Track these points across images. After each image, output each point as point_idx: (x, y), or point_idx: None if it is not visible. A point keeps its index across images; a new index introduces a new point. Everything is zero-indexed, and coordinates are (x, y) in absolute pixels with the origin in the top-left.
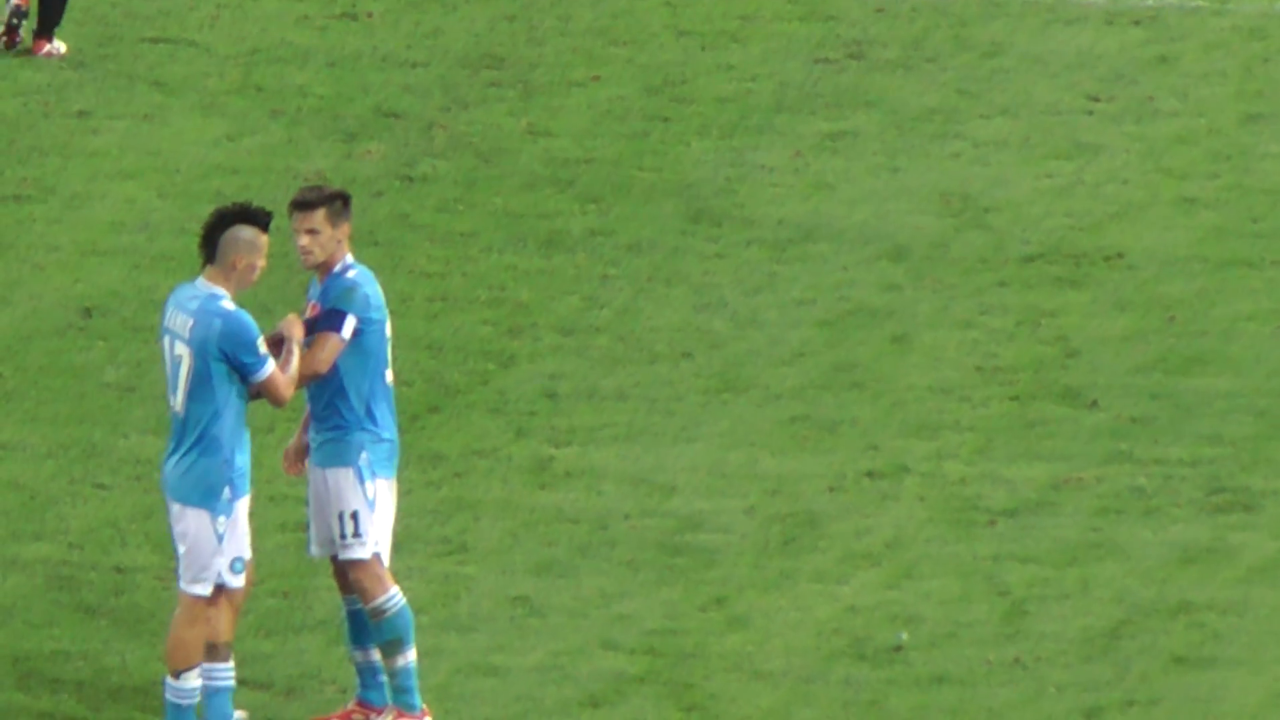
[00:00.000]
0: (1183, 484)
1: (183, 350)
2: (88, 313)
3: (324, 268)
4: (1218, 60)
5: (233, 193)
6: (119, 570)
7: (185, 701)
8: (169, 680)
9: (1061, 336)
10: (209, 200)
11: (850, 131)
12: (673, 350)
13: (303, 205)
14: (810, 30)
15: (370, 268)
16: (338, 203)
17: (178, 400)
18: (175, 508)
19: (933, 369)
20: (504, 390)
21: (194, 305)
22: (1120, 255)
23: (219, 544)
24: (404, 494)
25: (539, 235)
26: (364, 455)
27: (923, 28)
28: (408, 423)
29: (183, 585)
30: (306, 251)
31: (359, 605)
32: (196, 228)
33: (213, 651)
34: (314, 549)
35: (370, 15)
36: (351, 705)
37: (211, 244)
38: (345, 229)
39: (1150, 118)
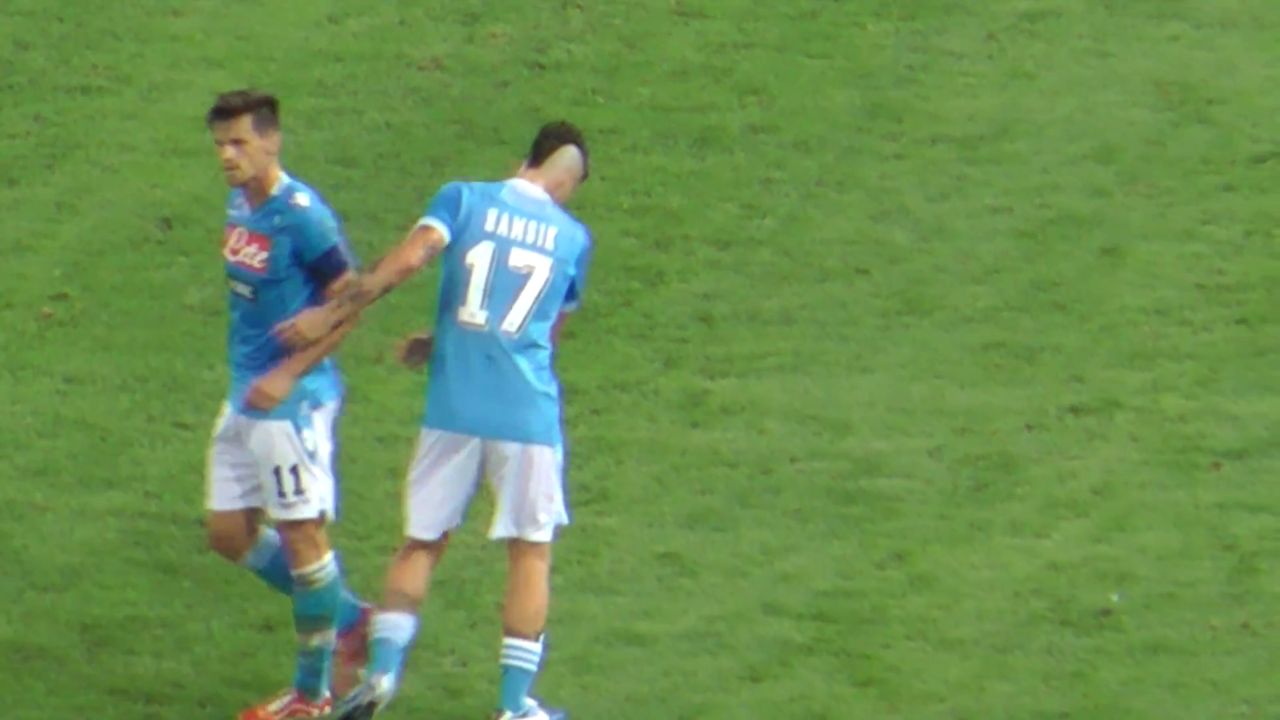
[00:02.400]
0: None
1: (534, 261)
2: (167, 223)
3: (255, 185)
4: None
5: (336, 83)
6: (203, 524)
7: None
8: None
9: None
10: (309, 93)
11: (1052, 10)
12: (846, 266)
13: (224, 112)
14: None
15: (497, 171)
16: (264, 109)
17: (511, 321)
18: (496, 446)
19: (1147, 287)
20: (650, 313)
21: (550, 214)
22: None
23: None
24: None
25: (690, 132)
26: (303, 403)
27: None
28: None
29: (533, 537)
30: (232, 165)
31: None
32: (294, 123)
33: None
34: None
35: None
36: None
37: (542, 151)
38: (275, 139)
39: None
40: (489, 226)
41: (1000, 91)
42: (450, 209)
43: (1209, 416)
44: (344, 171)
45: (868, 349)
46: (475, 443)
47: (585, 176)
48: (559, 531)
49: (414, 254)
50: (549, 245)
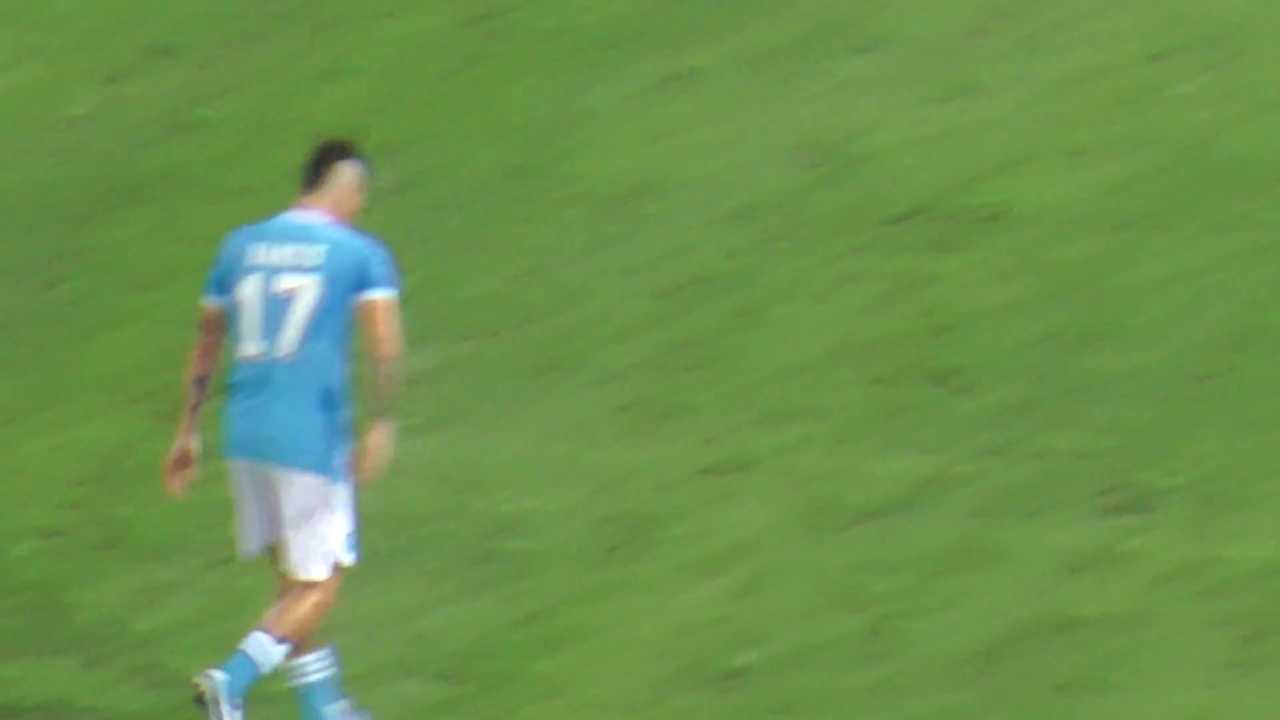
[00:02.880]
0: (1071, 481)
1: (300, 282)
2: None
3: None
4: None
5: None
6: None
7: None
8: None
9: (932, 309)
10: None
11: (694, 72)
12: (486, 325)
13: None
14: None
15: (139, 230)
16: None
17: (287, 343)
18: (282, 473)
19: (784, 348)
20: None
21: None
22: (1001, 214)
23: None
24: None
25: None
26: None
27: None
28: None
29: (306, 575)
30: None
31: None
32: None
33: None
34: None
35: None
36: None
37: (317, 174)
38: None
39: (1040, 54)
40: (253, 260)
41: (641, 152)
42: (213, 271)
43: (844, 476)
44: None
45: (506, 409)
46: (250, 465)
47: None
48: (336, 569)
49: (197, 339)
50: (317, 263)
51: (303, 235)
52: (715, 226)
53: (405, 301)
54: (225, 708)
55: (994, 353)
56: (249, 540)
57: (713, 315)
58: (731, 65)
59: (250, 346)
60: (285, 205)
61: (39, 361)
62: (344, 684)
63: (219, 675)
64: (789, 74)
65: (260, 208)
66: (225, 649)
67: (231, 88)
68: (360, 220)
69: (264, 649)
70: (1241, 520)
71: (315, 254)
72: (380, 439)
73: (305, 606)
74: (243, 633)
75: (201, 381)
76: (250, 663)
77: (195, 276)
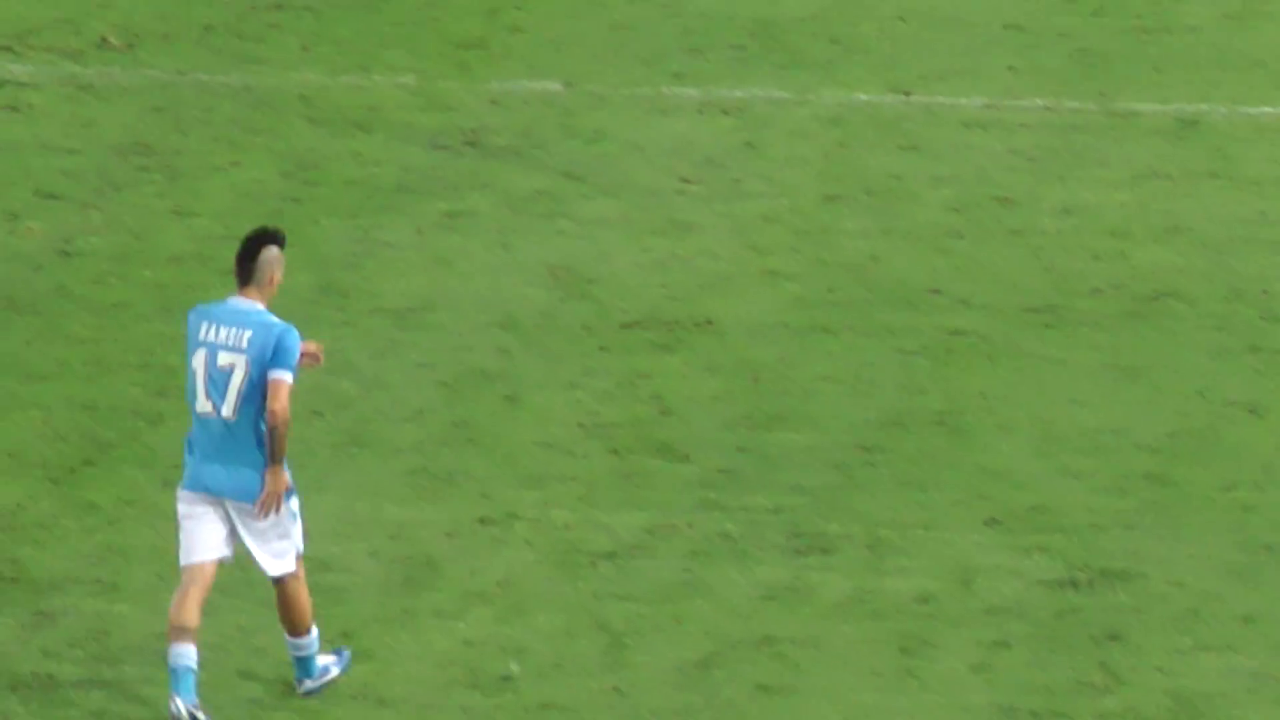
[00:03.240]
0: (766, 529)
1: (234, 359)
2: None
3: None
4: (799, 146)
5: None
6: None
7: (304, 654)
8: (294, 639)
9: (657, 396)
10: None
11: (467, 211)
12: (305, 409)
13: None
14: (430, 120)
15: (32, 334)
16: None
17: (228, 407)
18: (234, 505)
19: (541, 426)
20: (153, 446)
21: (247, 319)
22: (710, 322)
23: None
24: (60, 539)
25: (185, 305)
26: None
27: (532, 117)
28: (66, 475)
29: (275, 573)
30: None
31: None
32: None
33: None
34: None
35: (30, 106)
36: None
37: (248, 267)
38: None
39: (738, 198)
40: (201, 336)
41: (426, 274)
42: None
43: (588, 526)
44: None
45: (322, 475)
46: (215, 500)
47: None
48: (298, 558)
49: None
50: (244, 345)
51: (240, 320)
52: (486, 331)
53: None
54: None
55: (704, 430)
56: (192, 554)
57: (485, 400)
58: (498, 206)
59: (204, 405)
60: (148, 317)
61: None
62: (200, 686)
63: (309, 682)
64: (543, 214)
65: (128, 319)
66: (107, 663)
67: (105, 224)
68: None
69: (305, 643)
70: (898, 560)
71: (245, 337)
72: (273, 478)
73: (300, 595)
74: (120, 648)
75: None
76: (308, 660)
77: (77, 372)
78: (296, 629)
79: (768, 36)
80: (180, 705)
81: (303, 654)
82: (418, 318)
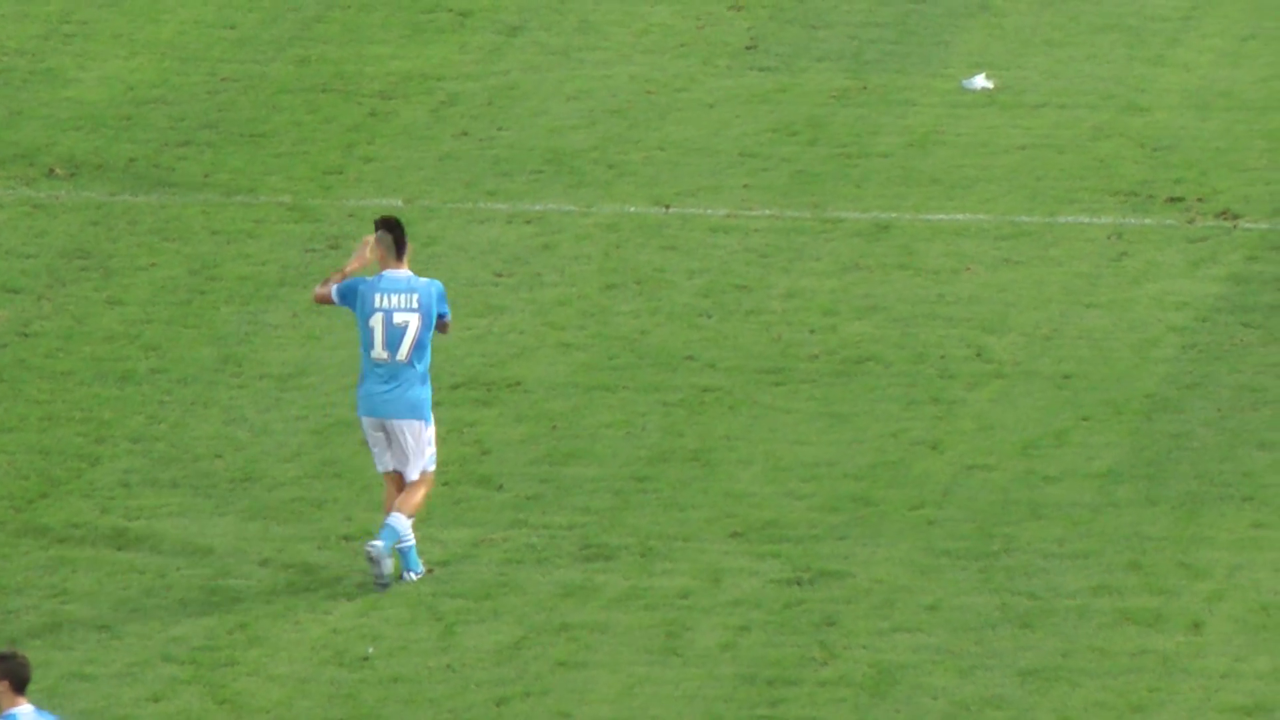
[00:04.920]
0: (563, 541)
1: (408, 318)
2: None
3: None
4: (584, 247)
5: None
6: None
7: (407, 543)
8: (403, 520)
9: (478, 440)
10: None
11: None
12: (209, 453)
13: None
14: (303, 229)
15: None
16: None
17: (401, 354)
18: (397, 424)
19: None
20: (93, 481)
21: (411, 285)
22: (518, 383)
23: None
24: (23, 553)
25: (118, 375)
26: None
27: None
28: (26, 504)
29: (415, 475)
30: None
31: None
32: None
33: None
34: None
35: None
36: None
37: (403, 246)
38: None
39: (539, 287)
40: (377, 304)
41: (302, 347)
42: (340, 291)
43: (426, 540)
44: None
45: (223, 503)
46: (382, 423)
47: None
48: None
49: (320, 292)
50: (415, 305)
51: (406, 286)
52: (348, 391)
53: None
54: (384, 561)
55: (514, 466)
56: (383, 464)
57: (347, 444)
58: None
59: (380, 354)
60: (88, 383)
61: None
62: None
63: (378, 542)
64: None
65: (73, 385)
66: (59, 650)
67: (54, 311)
68: None
69: (401, 523)
70: (664, 565)
71: (415, 299)
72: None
73: (420, 492)
74: (69, 638)
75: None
76: (394, 530)
77: (34, 426)
78: (404, 508)
79: (559, 163)
80: (379, 546)
81: (404, 545)
82: (295, 381)
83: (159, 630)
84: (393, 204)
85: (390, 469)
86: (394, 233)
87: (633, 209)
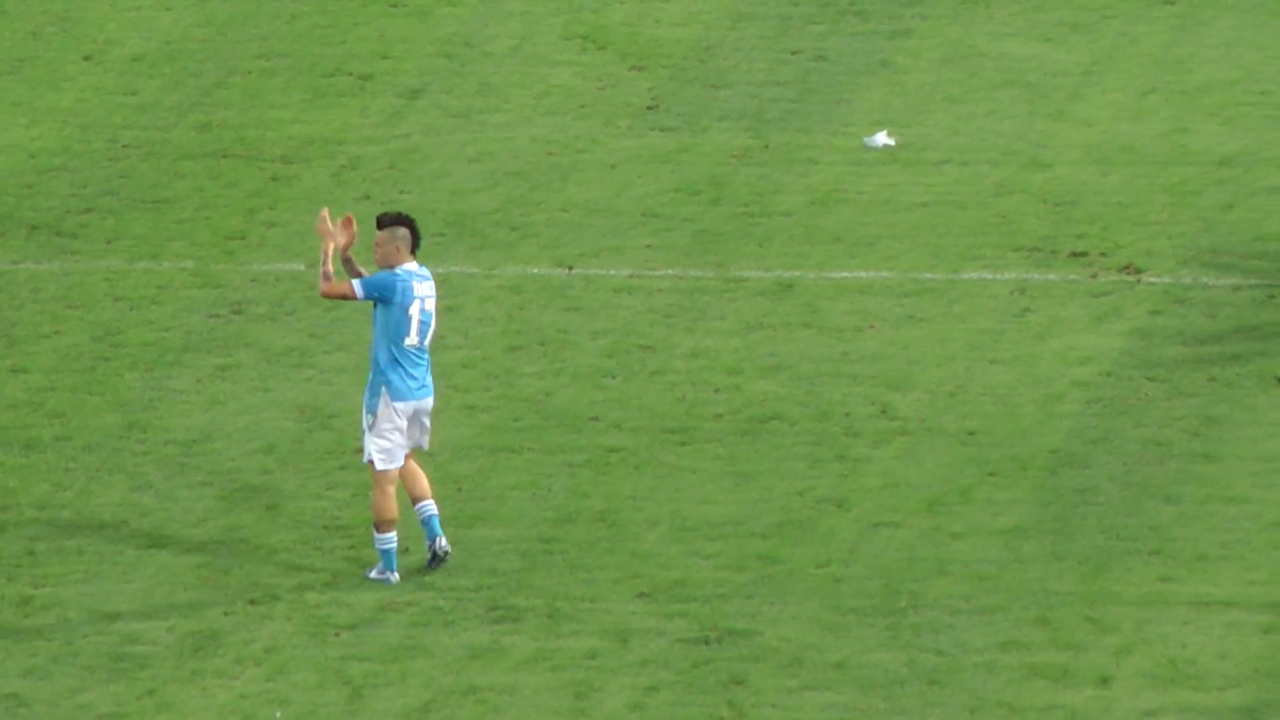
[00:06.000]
0: (470, 604)
1: (432, 305)
2: None
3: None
4: (488, 309)
5: None
6: None
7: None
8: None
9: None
10: None
11: (234, 364)
12: (115, 519)
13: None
14: (206, 295)
15: None
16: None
17: (427, 339)
18: (429, 402)
19: (296, 529)
20: (2, 525)
21: (428, 275)
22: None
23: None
24: None
25: (23, 443)
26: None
27: (283, 291)
28: None
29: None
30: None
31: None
32: None
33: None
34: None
35: None
36: None
37: (419, 241)
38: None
39: (442, 350)
40: (416, 292)
41: (206, 412)
42: (373, 285)
43: (334, 604)
44: None
45: (130, 568)
46: (419, 404)
47: None
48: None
49: (336, 290)
50: (433, 293)
51: (425, 276)
52: (252, 456)
53: None
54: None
55: (421, 529)
56: (400, 459)
57: (252, 509)
58: (259, 359)
59: (413, 340)
60: None
61: None
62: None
63: (442, 540)
64: (294, 364)
65: None
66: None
67: None
68: None
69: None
70: (571, 625)
71: (433, 286)
72: None
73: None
74: None
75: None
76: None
77: None
78: (428, 492)
79: (462, 226)
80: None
81: (425, 515)
82: (200, 447)
83: (66, 697)
84: (295, 268)
85: (400, 463)
86: (411, 228)
87: (536, 270)
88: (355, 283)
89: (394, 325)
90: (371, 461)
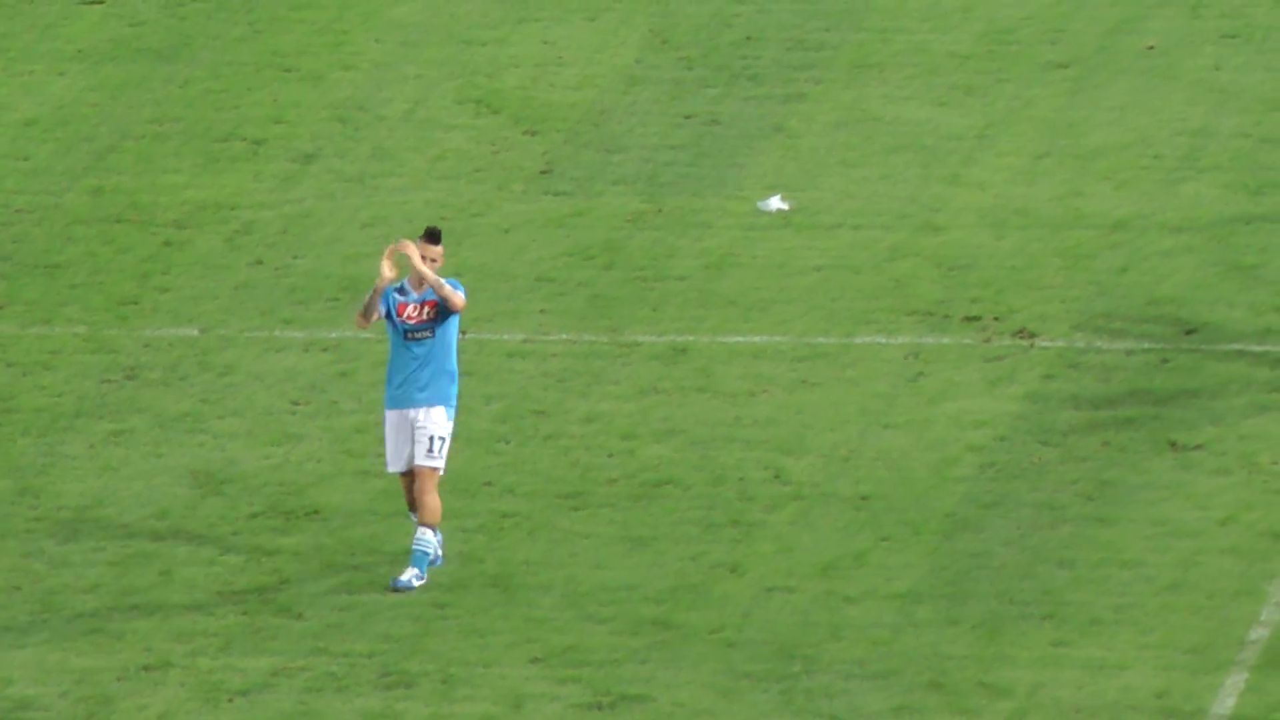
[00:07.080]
0: (363, 669)
1: None
2: None
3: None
4: (382, 374)
5: None
6: None
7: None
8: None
9: (278, 569)
10: None
11: (128, 430)
12: (7, 585)
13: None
14: (99, 360)
15: None
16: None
17: None
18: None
19: (189, 593)
20: None
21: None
22: (317, 512)
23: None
24: None
25: None
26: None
27: (177, 356)
28: None
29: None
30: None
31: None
32: None
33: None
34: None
35: None
36: None
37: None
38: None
39: (336, 415)
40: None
41: (99, 478)
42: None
43: (226, 670)
44: None
45: (23, 634)
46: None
47: None
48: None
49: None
50: None
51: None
52: (145, 522)
53: None
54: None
55: (314, 594)
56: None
57: (145, 574)
58: (152, 425)
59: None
60: None
61: None
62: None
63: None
64: (187, 429)
65: None
66: None
67: None
68: None
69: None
70: (465, 691)
71: None
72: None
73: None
74: None
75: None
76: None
77: None
78: (427, 518)
79: (356, 291)
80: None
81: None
82: (93, 512)
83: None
84: (188, 333)
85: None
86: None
87: None
88: (461, 289)
89: (454, 335)
90: (439, 468)
